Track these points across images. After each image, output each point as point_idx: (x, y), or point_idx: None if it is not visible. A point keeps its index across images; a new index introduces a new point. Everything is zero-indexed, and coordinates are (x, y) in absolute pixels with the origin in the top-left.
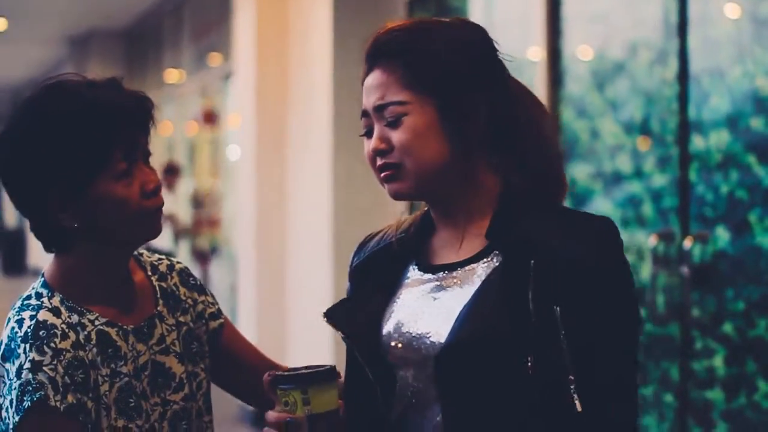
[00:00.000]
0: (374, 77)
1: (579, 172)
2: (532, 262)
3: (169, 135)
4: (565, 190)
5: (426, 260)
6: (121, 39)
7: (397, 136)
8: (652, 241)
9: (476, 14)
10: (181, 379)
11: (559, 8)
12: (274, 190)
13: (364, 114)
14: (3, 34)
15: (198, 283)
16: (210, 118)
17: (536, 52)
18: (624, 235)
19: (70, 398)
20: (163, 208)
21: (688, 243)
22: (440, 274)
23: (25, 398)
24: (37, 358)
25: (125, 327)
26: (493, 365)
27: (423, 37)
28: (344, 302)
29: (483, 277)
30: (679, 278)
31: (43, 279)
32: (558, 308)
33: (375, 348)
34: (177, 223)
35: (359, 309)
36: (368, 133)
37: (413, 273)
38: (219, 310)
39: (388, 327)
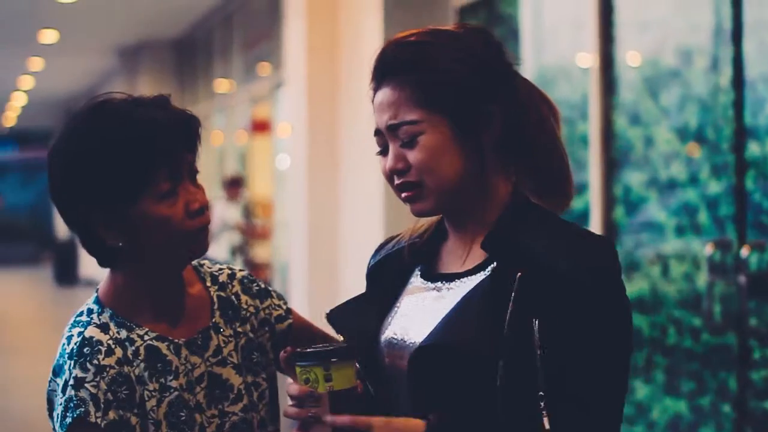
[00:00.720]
0: (384, 95)
1: (633, 179)
2: (518, 274)
3: (220, 145)
4: (571, 187)
5: (432, 268)
6: (171, 49)
7: (413, 156)
8: (708, 249)
9: (527, 20)
10: (240, 390)
11: (611, 14)
12: (325, 199)
13: (377, 133)
14: (55, 46)
15: (262, 287)
16: (260, 127)
17: (586, 59)
18: (679, 244)
19: (111, 415)
20: (232, 219)
21: (744, 251)
22: (438, 284)
23: (67, 414)
24: (80, 375)
25: (176, 341)
26: (464, 373)
27: (430, 53)
28: (348, 305)
29: (466, 290)
30: (736, 287)
31: (96, 295)
32: (537, 321)
33: (372, 355)
34: (251, 230)
35: (361, 314)
36: (383, 152)
37: (415, 280)
38: (287, 311)
39: (385, 335)
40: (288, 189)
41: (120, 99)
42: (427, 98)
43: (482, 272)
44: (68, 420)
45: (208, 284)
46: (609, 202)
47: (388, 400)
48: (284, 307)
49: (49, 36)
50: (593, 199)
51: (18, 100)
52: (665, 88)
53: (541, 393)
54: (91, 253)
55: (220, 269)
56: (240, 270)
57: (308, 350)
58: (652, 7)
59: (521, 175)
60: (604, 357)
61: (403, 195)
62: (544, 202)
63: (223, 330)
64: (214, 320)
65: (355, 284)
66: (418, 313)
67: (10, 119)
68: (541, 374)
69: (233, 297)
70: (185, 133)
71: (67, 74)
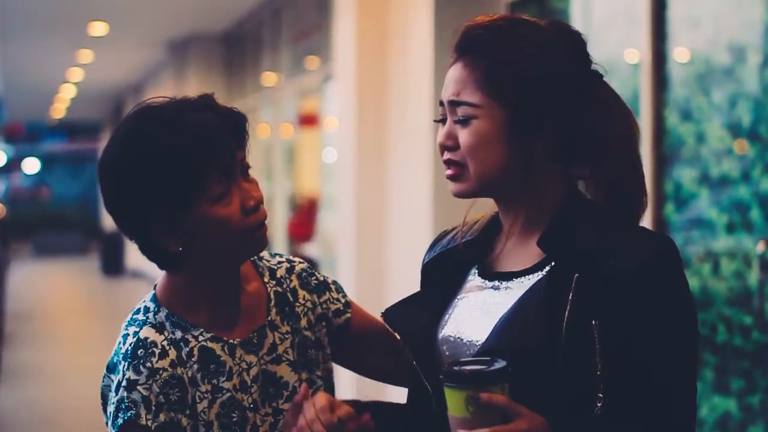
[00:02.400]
0: (456, 70)
1: (684, 176)
2: (576, 275)
3: (267, 138)
4: (643, 209)
5: (489, 265)
6: (219, 42)
7: (463, 137)
8: (760, 247)
9: (576, 14)
10: (294, 388)
11: (664, 10)
12: (374, 194)
13: (441, 103)
14: (104, 39)
15: (322, 280)
16: (307, 121)
17: (635, 54)
18: (730, 241)
19: (162, 417)
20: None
21: None
22: (496, 283)
23: (119, 415)
24: (133, 377)
25: (231, 341)
26: (523, 377)
27: (509, 42)
28: (405, 302)
29: (523, 290)
30: None
31: (153, 293)
32: (596, 323)
33: (430, 354)
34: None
35: (418, 312)
36: (443, 121)
37: (474, 278)
38: (346, 304)
39: (443, 333)
40: (335, 183)
41: (163, 103)
42: (492, 85)
43: (540, 271)
44: (119, 421)
45: (266, 279)
46: (659, 198)
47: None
48: (343, 300)
49: (98, 28)
50: None
51: (67, 92)
52: (717, 84)
53: (600, 395)
54: (152, 259)
55: (279, 263)
56: (300, 263)
57: (490, 370)
58: (705, 3)
59: (592, 184)
60: (669, 357)
61: (447, 172)
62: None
63: (280, 327)
64: (270, 318)
65: (403, 280)
66: (476, 312)
67: (60, 111)
68: (601, 377)
69: (290, 293)
70: (233, 131)
71: (116, 67)
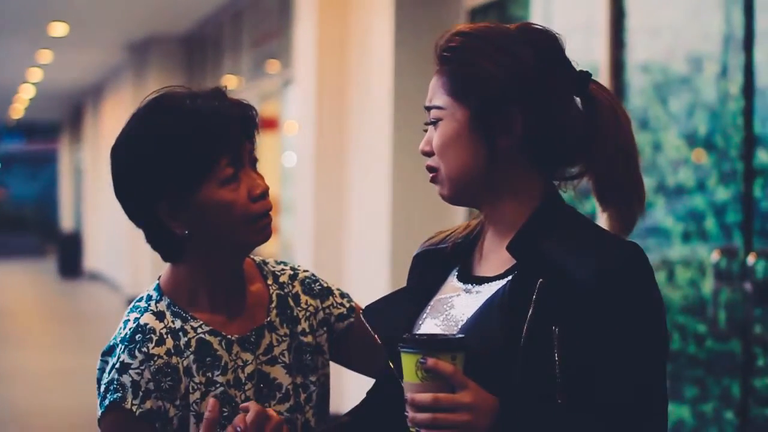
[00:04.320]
0: (434, 79)
1: None
2: (540, 281)
3: None
4: (640, 208)
5: (468, 268)
6: (180, 44)
7: (434, 140)
8: (714, 256)
9: (536, 23)
10: (288, 390)
11: (623, 19)
12: (332, 198)
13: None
14: (64, 39)
15: (324, 287)
16: (267, 124)
17: (597, 63)
18: (686, 250)
19: (149, 404)
20: None
21: (751, 259)
22: (469, 286)
23: (107, 395)
24: (127, 360)
25: (229, 336)
26: (484, 379)
27: (473, 46)
28: (386, 300)
29: (487, 296)
30: (742, 294)
31: (157, 282)
32: (557, 329)
33: None
34: None
35: (398, 310)
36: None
37: (451, 280)
38: (350, 309)
39: (418, 332)
40: (294, 187)
41: (178, 92)
42: (454, 87)
43: (509, 277)
44: (107, 401)
45: (269, 282)
46: None
47: None
48: (347, 305)
49: (58, 29)
50: None
51: (26, 92)
52: (675, 94)
53: (559, 401)
54: (157, 246)
55: (283, 269)
56: (304, 271)
57: (441, 338)
58: (664, 13)
59: (593, 181)
60: (632, 366)
61: (430, 178)
62: (613, 212)
63: (278, 329)
64: (269, 319)
65: (361, 284)
66: (446, 314)
67: (18, 111)
68: (560, 383)
69: (292, 297)
70: (244, 121)
71: (76, 68)
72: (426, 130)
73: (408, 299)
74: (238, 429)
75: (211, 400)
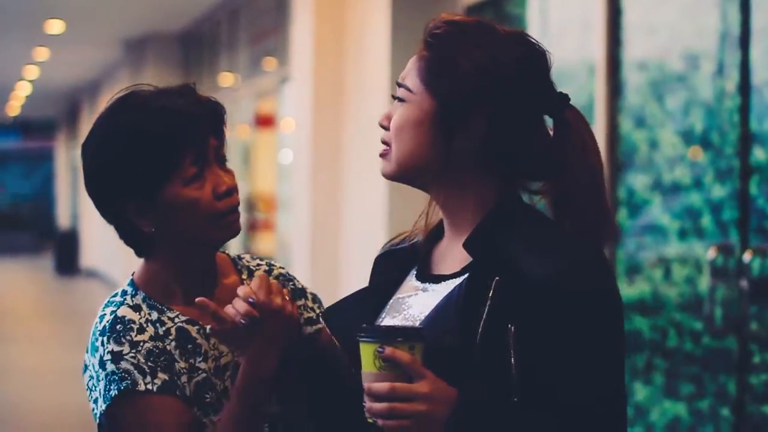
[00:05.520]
0: (413, 58)
1: (637, 182)
2: (496, 279)
3: None
4: (605, 232)
5: (427, 267)
6: (177, 42)
7: (393, 119)
8: (710, 253)
9: (533, 20)
10: None
11: (619, 17)
12: (329, 195)
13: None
14: (61, 37)
15: (298, 287)
16: (264, 122)
17: (594, 61)
18: (682, 247)
19: (161, 376)
20: None
21: (747, 256)
22: (426, 285)
23: (111, 387)
24: (116, 348)
25: (206, 327)
26: (447, 376)
27: (458, 38)
28: (347, 300)
29: (443, 294)
30: (738, 291)
31: (131, 278)
32: (512, 327)
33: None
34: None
35: (355, 311)
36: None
37: (410, 279)
38: (319, 314)
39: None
40: (291, 184)
41: (145, 90)
42: (428, 74)
43: (462, 276)
44: (113, 392)
45: (244, 277)
46: (612, 204)
47: None
48: (317, 311)
49: (55, 26)
50: None
51: (23, 90)
52: (671, 91)
53: (515, 399)
54: (128, 243)
55: (258, 265)
56: (280, 268)
57: (400, 327)
58: (660, 10)
59: (551, 196)
60: (589, 365)
61: (380, 150)
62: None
63: None
64: None
65: (357, 279)
66: (404, 313)
67: (14, 108)
68: (516, 381)
69: None
70: (209, 118)
71: (73, 65)
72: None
73: (367, 299)
74: (251, 299)
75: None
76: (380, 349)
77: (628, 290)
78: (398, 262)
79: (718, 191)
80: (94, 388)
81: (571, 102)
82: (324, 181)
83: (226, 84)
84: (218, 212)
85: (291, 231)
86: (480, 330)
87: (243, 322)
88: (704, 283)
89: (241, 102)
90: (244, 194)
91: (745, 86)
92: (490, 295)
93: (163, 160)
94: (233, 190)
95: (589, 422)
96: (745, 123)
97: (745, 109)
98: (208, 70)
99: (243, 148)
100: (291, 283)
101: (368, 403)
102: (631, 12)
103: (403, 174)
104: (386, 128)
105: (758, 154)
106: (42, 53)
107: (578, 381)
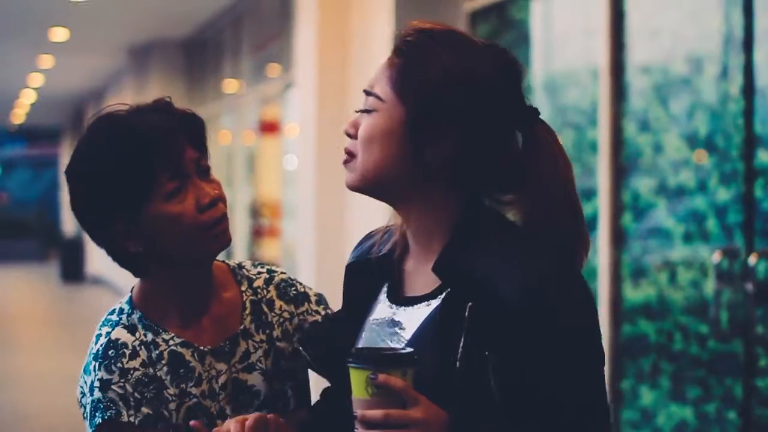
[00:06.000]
0: (382, 66)
1: (642, 186)
2: (469, 304)
3: (228, 144)
4: (580, 242)
5: (396, 286)
6: (181, 49)
7: (361, 127)
8: (716, 257)
9: (536, 24)
10: (266, 397)
11: (622, 21)
12: (334, 201)
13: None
14: (65, 44)
15: (300, 291)
16: (268, 128)
17: (597, 65)
18: (687, 251)
19: (144, 410)
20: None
21: (752, 259)
22: (399, 309)
23: (96, 414)
24: (106, 377)
25: (202, 348)
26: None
27: (431, 47)
28: (319, 327)
29: (422, 319)
30: (743, 295)
31: (129, 295)
32: (489, 354)
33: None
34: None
35: (332, 336)
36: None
37: (382, 298)
38: (325, 317)
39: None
40: (296, 190)
41: (119, 110)
42: (399, 83)
43: (438, 297)
44: (97, 420)
45: (243, 288)
46: (617, 208)
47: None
48: (323, 313)
49: (59, 34)
50: (602, 205)
51: (27, 98)
52: (675, 95)
53: (501, 419)
54: (123, 265)
55: (259, 273)
56: (281, 273)
57: (391, 353)
58: (663, 14)
59: (522, 209)
60: (571, 382)
61: (343, 159)
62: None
63: (254, 336)
64: (243, 326)
65: None
66: (379, 338)
67: (20, 116)
68: (498, 402)
69: (266, 303)
70: (185, 132)
71: (77, 73)
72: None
73: (343, 324)
74: None
75: (193, 424)
76: (373, 376)
77: (633, 294)
78: (367, 276)
79: (723, 194)
80: (83, 406)
81: (540, 116)
82: (329, 186)
83: (231, 90)
84: (204, 225)
85: (296, 237)
86: (459, 356)
87: None
88: (710, 286)
89: (246, 108)
90: (249, 200)
91: (749, 89)
92: (465, 322)
93: (139, 179)
94: (217, 200)
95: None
96: (749, 126)
97: (749, 112)
98: (213, 76)
99: (248, 154)
100: (293, 288)
101: (361, 430)
102: (634, 16)
103: (368, 186)
104: (352, 136)
105: (763, 156)
106: (47, 61)
107: (562, 399)
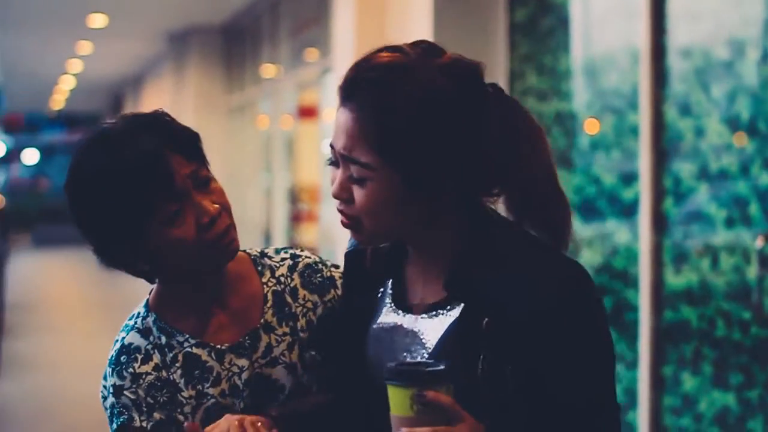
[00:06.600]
0: (344, 117)
1: (683, 170)
2: (485, 320)
3: (266, 129)
4: (568, 218)
5: (400, 291)
6: (219, 35)
7: (358, 196)
8: (758, 242)
9: (576, 9)
10: (291, 391)
11: (663, 4)
12: None
13: (332, 146)
14: (104, 30)
15: (326, 277)
16: (307, 113)
17: (638, 48)
18: (729, 236)
19: (156, 416)
20: None
21: None
22: (407, 316)
23: (113, 420)
24: (118, 383)
25: (219, 347)
26: None
27: (396, 97)
28: (323, 329)
29: (441, 330)
30: None
31: (147, 299)
32: (510, 368)
33: (359, 370)
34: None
35: (341, 340)
36: (335, 164)
37: (388, 302)
38: None
39: (369, 352)
40: None
41: (111, 129)
42: (382, 145)
43: (448, 309)
44: (114, 426)
45: (265, 279)
46: (658, 193)
47: (373, 414)
48: None
49: (98, 20)
50: (643, 190)
51: (67, 84)
52: (716, 79)
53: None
54: (131, 274)
55: (282, 260)
56: (306, 257)
57: (433, 369)
58: None
59: (510, 205)
60: (589, 390)
61: (342, 221)
62: (538, 233)
63: (276, 329)
64: (264, 319)
65: None
66: (393, 344)
67: (59, 102)
68: (523, 418)
69: (290, 292)
70: (179, 149)
71: (116, 59)
72: (333, 164)
73: (348, 325)
74: None
75: (187, 425)
76: (421, 394)
77: (675, 279)
78: (367, 271)
79: (766, 179)
80: (106, 409)
81: (501, 88)
82: None
83: (269, 75)
84: (207, 244)
85: (334, 222)
86: (480, 370)
87: None
88: (752, 271)
89: (284, 93)
90: (288, 185)
91: None
92: (483, 337)
93: (135, 209)
94: (218, 214)
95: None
96: None
97: None
98: (251, 61)
99: (286, 139)
100: (318, 275)
101: None
102: None
103: (379, 242)
104: (344, 200)
105: None
106: (85, 47)
107: (579, 403)
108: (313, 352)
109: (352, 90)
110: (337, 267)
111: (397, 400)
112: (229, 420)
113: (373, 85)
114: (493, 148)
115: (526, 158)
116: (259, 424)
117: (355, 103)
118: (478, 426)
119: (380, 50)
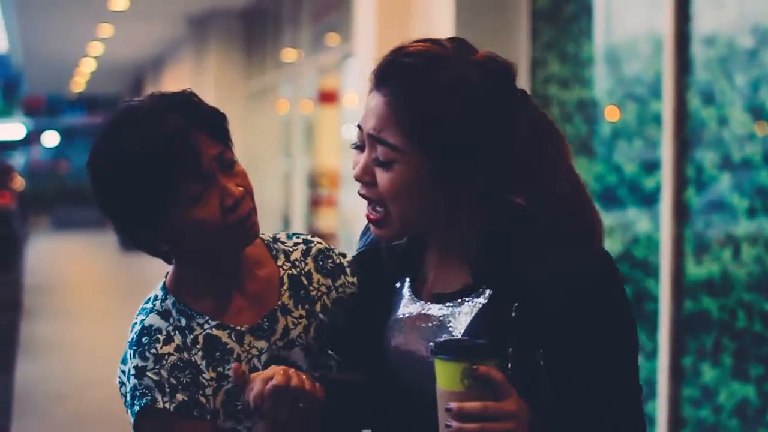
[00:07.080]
0: (376, 101)
1: (706, 159)
2: (515, 305)
3: (286, 114)
4: (597, 227)
5: (419, 281)
6: (240, 18)
7: (383, 180)
8: None
9: None
10: (309, 373)
11: None
12: None
13: (360, 128)
14: (124, 13)
15: (337, 263)
16: (327, 97)
17: (662, 35)
18: (751, 226)
19: (179, 397)
20: None
21: None
22: (428, 305)
23: (135, 402)
24: (141, 364)
25: (239, 328)
26: None
27: (431, 86)
28: (343, 318)
29: (470, 316)
30: None
31: (163, 281)
32: (541, 352)
33: (380, 361)
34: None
35: (360, 333)
36: (360, 148)
37: (406, 292)
38: None
39: (391, 343)
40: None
41: (134, 109)
42: (413, 130)
43: (473, 296)
44: (136, 408)
45: (280, 263)
46: (680, 182)
47: (396, 405)
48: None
49: (119, 3)
50: (665, 179)
51: (87, 66)
52: (740, 67)
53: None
54: (150, 254)
55: (296, 245)
56: (318, 243)
57: (480, 344)
58: None
59: (534, 205)
60: (616, 372)
61: (369, 216)
62: (567, 234)
63: (293, 311)
64: (281, 301)
65: None
66: (419, 332)
67: (80, 85)
68: (553, 402)
69: (305, 276)
70: (206, 129)
71: (136, 42)
72: (358, 148)
73: (366, 317)
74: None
75: (234, 367)
76: (474, 368)
77: (696, 270)
78: (383, 268)
79: None
80: (123, 396)
81: (530, 96)
82: None
83: (289, 60)
84: (230, 226)
85: (354, 207)
86: (509, 357)
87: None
88: None
89: (304, 78)
90: (308, 170)
91: None
92: (514, 322)
93: (160, 187)
94: (242, 197)
95: (622, 414)
96: None
97: None
98: (271, 46)
99: (306, 123)
100: (330, 261)
101: (455, 424)
102: None
103: (406, 234)
104: (367, 183)
105: None
106: (106, 30)
107: (605, 387)
108: (331, 352)
109: (388, 75)
110: (344, 255)
111: (447, 374)
112: (275, 368)
113: (409, 70)
114: (521, 147)
115: (551, 160)
116: (304, 377)
117: (389, 87)
118: (524, 404)
119: (417, 41)
